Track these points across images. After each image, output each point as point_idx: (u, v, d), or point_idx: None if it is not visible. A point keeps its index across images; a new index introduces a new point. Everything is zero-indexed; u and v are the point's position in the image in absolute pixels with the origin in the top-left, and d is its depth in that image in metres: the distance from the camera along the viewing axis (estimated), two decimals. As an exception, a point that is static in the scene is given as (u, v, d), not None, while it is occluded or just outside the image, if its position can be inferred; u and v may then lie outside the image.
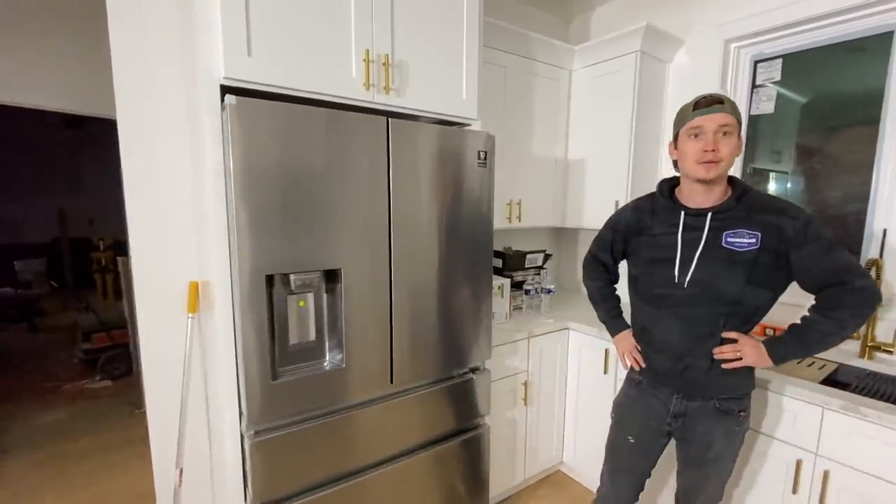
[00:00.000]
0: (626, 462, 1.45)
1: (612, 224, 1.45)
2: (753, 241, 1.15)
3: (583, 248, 2.83)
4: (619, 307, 1.54)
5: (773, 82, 2.06)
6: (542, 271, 2.43)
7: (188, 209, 1.50)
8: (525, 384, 2.02)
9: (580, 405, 2.18)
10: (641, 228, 1.34)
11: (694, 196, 1.24)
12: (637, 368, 1.41)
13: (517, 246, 2.56)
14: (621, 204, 2.19)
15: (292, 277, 1.24)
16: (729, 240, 1.18)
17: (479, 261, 1.64)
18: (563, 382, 2.21)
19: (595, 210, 2.34)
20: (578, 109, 2.39)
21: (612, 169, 2.24)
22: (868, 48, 1.80)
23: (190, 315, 1.47)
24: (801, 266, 1.14)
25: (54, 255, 6.04)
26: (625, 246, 1.42)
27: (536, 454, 2.17)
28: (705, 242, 1.20)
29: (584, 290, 2.78)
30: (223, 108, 1.16)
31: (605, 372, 1.99)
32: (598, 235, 1.52)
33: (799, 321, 1.20)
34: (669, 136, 2.38)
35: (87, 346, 3.73)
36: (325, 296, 1.38)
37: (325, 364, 1.39)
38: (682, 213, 1.25)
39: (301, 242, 1.24)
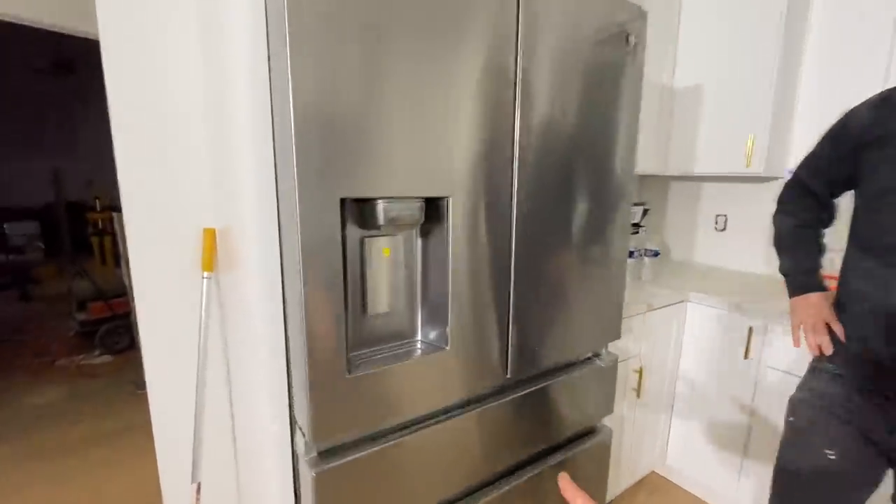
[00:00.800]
0: (821, 492, 0.94)
1: (835, 131, 0.95)
2: None
3: (673, 202, 2.32)
4: (818, 259, 1.04)
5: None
6: (641, 229, 1.94)
7: (198, 124, 1.00)
8: (639, 371, 1.56)
9: (694, 397, 1.73)
10: (886, 136, 0.83)
11: None
12: (818, 354, 0.95)
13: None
14: (759, 142, 1.68)
15: (381, 206, 0.74)
16: None
17: (619, 204, 1.14)
18: (676, 368, 1.76)
19: (714, 151, 1.82)
20: (694, 21, 1.85)
21: (743, 97, 1.71)
22: None
23: (205, 274, 1.02)
24: None
25: (48, 219, 5.57)
26: (853, 168, 0.91)
27: (640, 455, 1.73)
28: None
29: (676, 254, 2.33)
30: None
31: (746, 356, 1.52)
32: (809, 152, 1.02)
33: None
34: (810, 56, 1.89)
35: (84, 316, 3.29)
36: (418, 241, 0.90)
37: (418, 345, 0.92)
38: None
39: (392, 153, 0.74)
